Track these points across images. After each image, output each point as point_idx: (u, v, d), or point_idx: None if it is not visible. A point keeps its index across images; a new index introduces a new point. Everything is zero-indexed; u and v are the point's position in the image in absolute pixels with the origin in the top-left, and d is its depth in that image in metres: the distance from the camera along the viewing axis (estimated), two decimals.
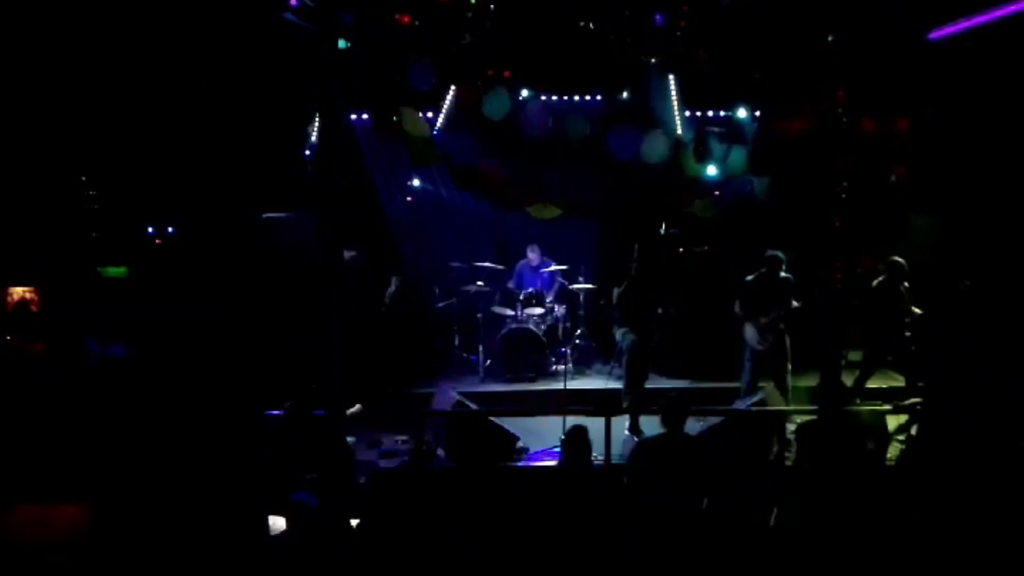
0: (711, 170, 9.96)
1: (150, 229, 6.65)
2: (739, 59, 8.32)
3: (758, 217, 10.49)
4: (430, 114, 10.12)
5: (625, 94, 9.97)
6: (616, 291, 9.25)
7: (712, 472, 5.89)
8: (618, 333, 9.21)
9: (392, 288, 10.00)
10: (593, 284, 10.94)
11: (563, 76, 9.71)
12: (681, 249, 11.24)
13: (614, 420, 7.71)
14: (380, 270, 10.08)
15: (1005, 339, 8.63)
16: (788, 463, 7.46)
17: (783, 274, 9.00)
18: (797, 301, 8.95)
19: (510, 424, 8.16)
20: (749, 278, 9.16)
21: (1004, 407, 6.64)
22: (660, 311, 9.17)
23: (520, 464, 7.92)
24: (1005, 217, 8.85)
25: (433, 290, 11.15)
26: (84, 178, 6.63)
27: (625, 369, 9.16)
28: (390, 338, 9.82)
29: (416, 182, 11.19)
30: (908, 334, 9.04)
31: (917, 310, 8.99)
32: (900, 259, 9.00)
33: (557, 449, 8.08)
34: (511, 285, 11.10)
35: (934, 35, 7.01)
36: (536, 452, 8.20)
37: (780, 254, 9.01)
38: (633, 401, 9.00)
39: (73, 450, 5.99)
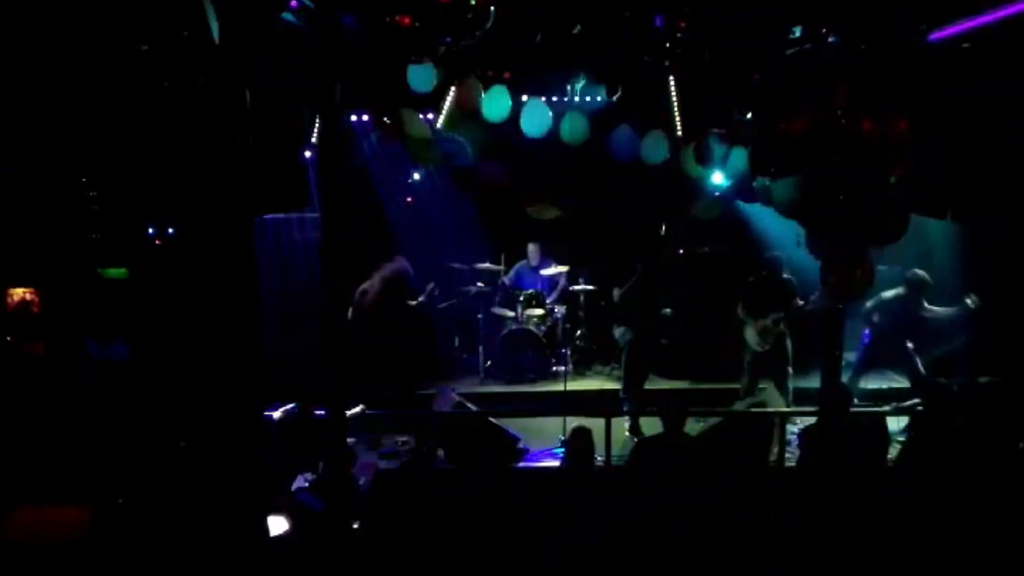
0: (717, 177, 9.97)
1: (151, 230, 6.64)
2: (739, 60, 8.32)
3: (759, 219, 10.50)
4: (430, 115, 10.14)
5: (625, 94, 9.98)
6: (617, 291, 9.25)
7: (711, 473, 5.90)
8: (617, 332, 9.21)
9: (425, 295, 9.95)
10: (593, 285, 10.95)
11: (563, 77, 9.72)
12: (682, 250, 11.25)
13: (614, 421, 7.73)
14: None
15: (1005, 341, 8.65)
16: (788, 464, 7.47)
17: (785, 276, 9.00)
18: (801, 300, 8.94)
19: (510, 425, 8.17)
20: (751, 279, 9.17)
21: (1003, 408, 6.65)
22: (664, 312, 9.16)
23: (520, 465, 7.92)
24: (1006, 220, 8.86)
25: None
26: (84, 179, 6.62)
27: (624, 368, 9.17)
28: (396, 339, 9.74)
29: (416, 176, 11.20)
30: (910, 344, 9.04)
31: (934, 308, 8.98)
32: (919, 271, 9.00)
33: (558, 450, 8.09)
34: (508, 282, 11.10)
35: (935, 36, 7.00)
36: (536, 453, 8.20)
37: (779, 256, 9.02)
38: (633, 401, 9.01)
39: (74, 451, 5.99)
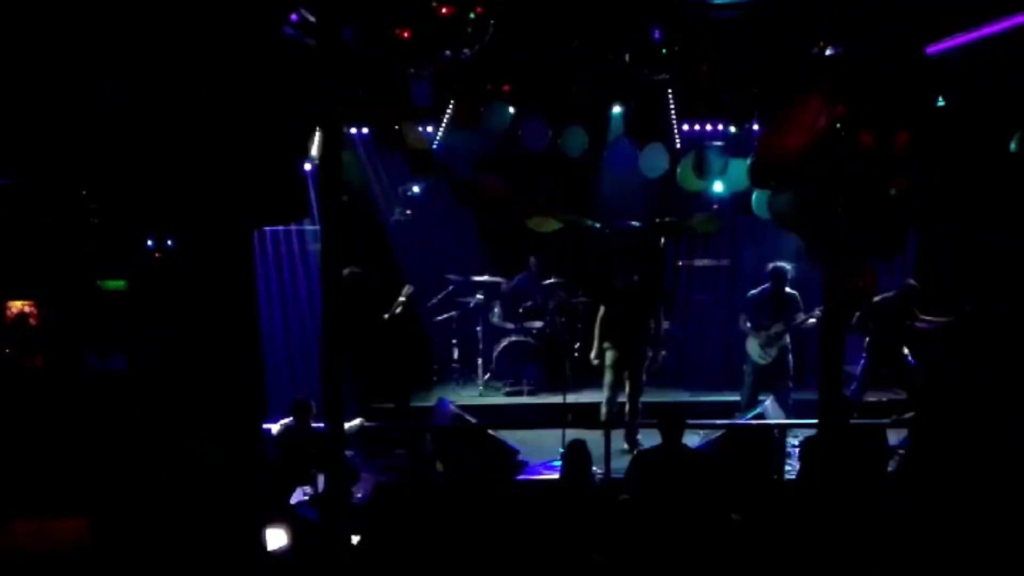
0: (717, 186, 9.97)
1: (150, 242, 6.64)
2: (737, 73, 8.36)
3: (759, 231, 10.50)
4: (430, 128, 10.16)
5: (623, 108, 10.03)
6: (603, 308, 9.20)
7: (711, 484, 5.88)
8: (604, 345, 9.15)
9: (403, 297, 9.73)
10: (592, 297, 10.94)
11: (562, 90, 9.76)
12: (680, 263, 11.26)
13: (613, 433, 7.71)
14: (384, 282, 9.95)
15: (1005, 352, 8.65)
16: (788, 476, 7.45)
17: (788, 290, 8.99)
18: (805, 313, 8.93)
19: (509, 437, 8.14)
20: (753, 292, 9.16)
21: (1001, 417, 6.65)
22: (654, 326, 9.13)
23: (519, 478, 7.90)
24: (1004, 230, 8.88)
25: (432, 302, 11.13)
26: (84, 191, 6.63)
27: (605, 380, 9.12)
28: (389, 350, 9.69)
29: (416, 189, 11.20)
30: (906, 349, 9.04)
31: (927, 318, 8.97)
32: (912, 281, 9.01)
33: (556, 463, 8.06)
34: (506, 289, 11.09)
35: (931, 49, 7.04)
36: (535, 465, 8.18)
37: (785, 266, 8.99)
38: (631, 413, 8.98)
39: (73, 463, 5.98)
